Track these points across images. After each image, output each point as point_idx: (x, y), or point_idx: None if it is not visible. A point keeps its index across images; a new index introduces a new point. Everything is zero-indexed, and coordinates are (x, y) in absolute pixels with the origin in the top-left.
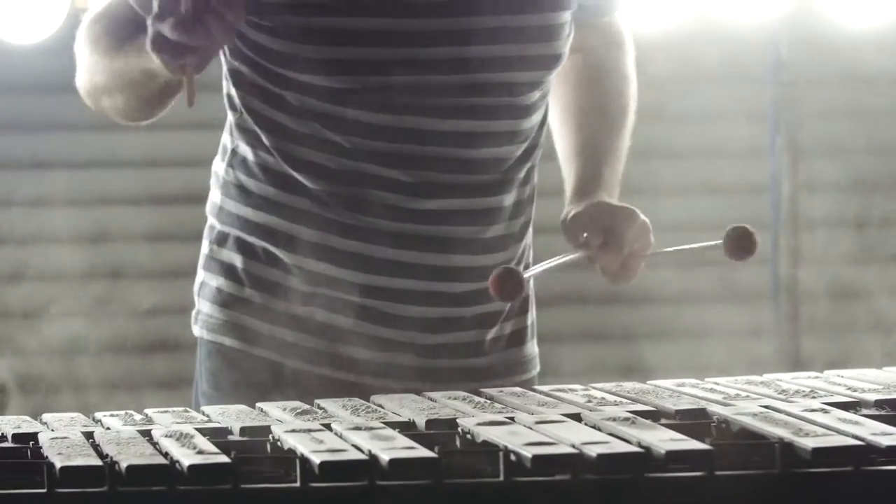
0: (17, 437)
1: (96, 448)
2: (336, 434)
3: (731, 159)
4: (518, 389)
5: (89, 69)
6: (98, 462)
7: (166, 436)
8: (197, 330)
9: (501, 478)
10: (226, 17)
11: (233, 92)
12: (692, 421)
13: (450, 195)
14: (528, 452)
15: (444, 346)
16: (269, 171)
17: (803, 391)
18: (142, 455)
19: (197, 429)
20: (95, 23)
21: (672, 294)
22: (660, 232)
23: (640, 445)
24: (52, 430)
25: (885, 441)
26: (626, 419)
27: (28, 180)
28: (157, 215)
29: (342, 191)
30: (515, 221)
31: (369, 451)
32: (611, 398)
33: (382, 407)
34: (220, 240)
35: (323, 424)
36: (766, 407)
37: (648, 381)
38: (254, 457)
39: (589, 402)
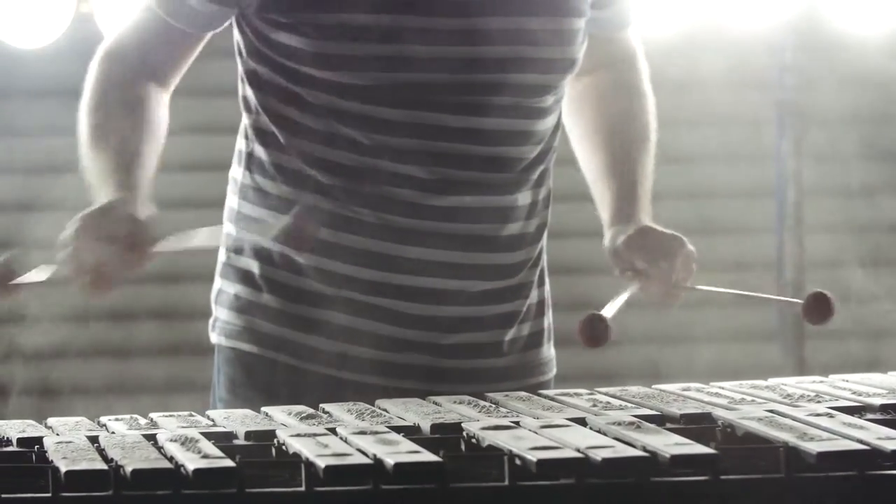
0: (21, 442)
1: (101, 452)
2: (341, 438)
3: (736, 164)
4: (523, 394)
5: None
6: (103, 466)
7: (171, 440)
8: (215, 337)
9: (506, 482)
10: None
11: (249, 93)
12: (697, 425)
13: (466, 192)
14: (533, 456)
15: (462, 347)
16: (284, 170)
17: (808, 395)
18: (147, 459)
19: (202, 433)
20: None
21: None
22: None
23: (645, 450)
24: (58, 435)
25: (890, 445)
26: (631, 423)
27: (35, 184)
28: (164, 218)
29: (359, 188)
30: (531, 222)
31: (374, 456)
32: (616, 402)
33: (387, 411)
34: (237, 247)
35: (328, 429)
36: (770, 412)
37: (653, 385)
38: (259, 461)
39: (594, 406)
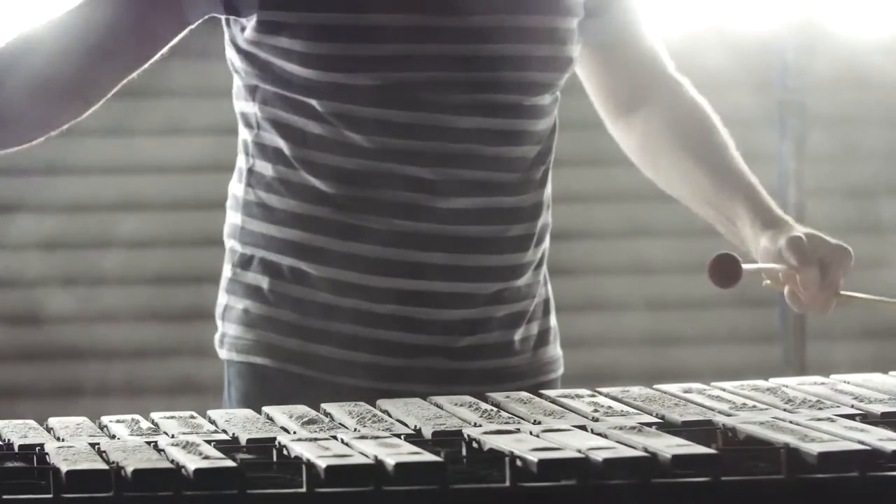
0: (23, 446)
1: (102, 454)
2: (343, 443)
3: None
4: (524, 395)
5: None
6: (104, 466)
7: (172, 445)
8: (224, 353)
9: (507, 483)
10: None
11: (248, 108)
12: (698, 428)
13: (471, 193)
14: (534, 457)
15: (475, 348)
16: (289, 184)
17: (809, 401)
18: (148, 460)
19: (205, 440)
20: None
21: (680, 300)
22: (666, 238)
23: (646, 451)
24: (58, 436)
25: (891, 446)
26: (633, 428)
27: (38, 186)
28: (171, 219)
29: (365, 193)
30: (535, 223)
31: (375, 457)
32: (617, 406)
33: (388, 413)
34: (244, 262)
35: (330, 436)
36: (773, 418)
37: (655, 386)
38: (260, 462)
39: (595, 410)
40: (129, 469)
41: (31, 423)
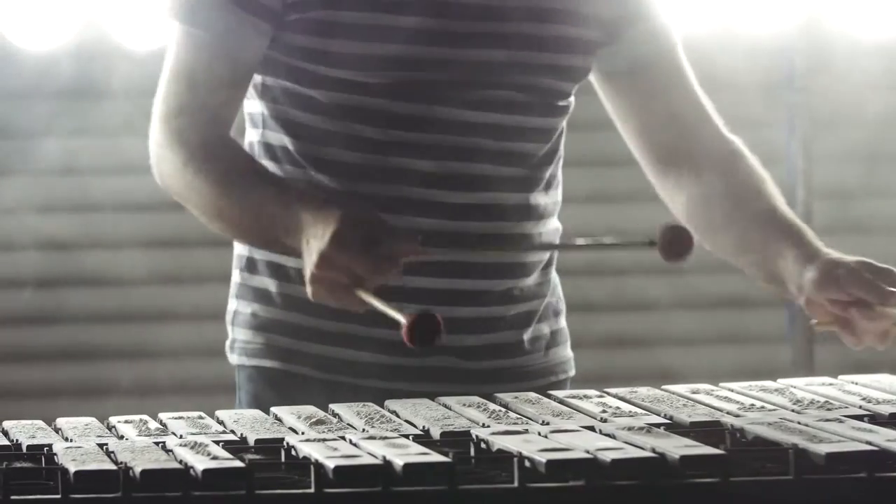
0: (31, 446)
1: (110, 454)
2: (351, 444)
3: None
4: (533, 396)
5: (204, 200)
6: (112, 467)
7: (180, 445)
8: (235, 358)
9: (516, 484)
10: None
11: (255, 107)
12: (706, 429)
13: (479, 188)
14: (543, 458)
15: (485, 348)
16: (295, 182)
17: (818, 402)
18: (156, 460)
19: (213, 441)
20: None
21: (687, 299)
22: None
23: (654, 451)
24: (66, 437)
25: None
26: (641, 429)
27: (41, 186)
28: (178, 219)
29: (373, 189)
30: (544, 222)
31: (384, 457)
32: (625, 407)
33: (396, 413)
34: (251, 266)
35: (338, 436)
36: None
37: (663, 387)
38: (268, 462)
39: (604, 411)
40: (138, 469)
41: (40, 423)
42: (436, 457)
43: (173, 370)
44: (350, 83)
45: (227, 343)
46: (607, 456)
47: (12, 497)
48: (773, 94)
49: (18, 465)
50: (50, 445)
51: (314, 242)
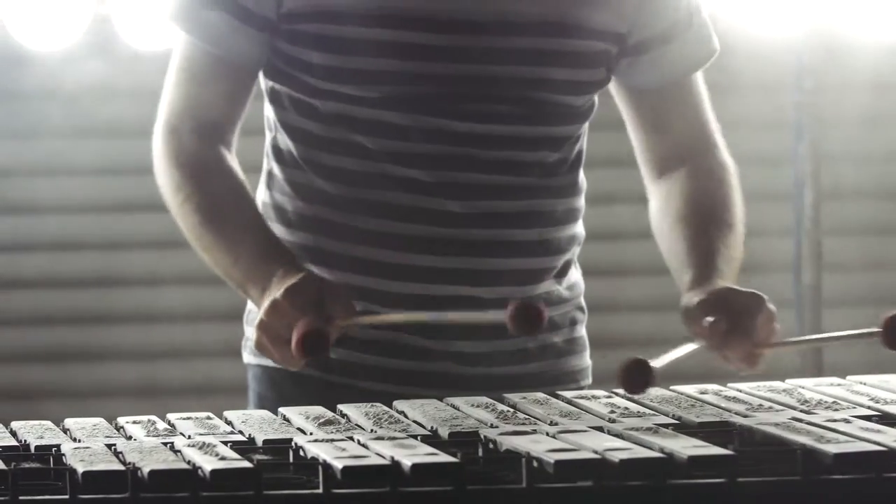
0: (39, 447)
1: (118, 455)
2: (359, 444)
3: (753, 167)
4: (541, 396)
5: (191, 223)
6: (120, 467)
7: (188, 446)
8: (246, 356)
9: (524, 484)
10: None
11: (269, 111)
12: (714, 430)
13: (476, 197)
14: (551, 458)
15: (487, 354)
16: (298, 186)
17: (826, 402)
18: (164, 461)
19: (221, 441)
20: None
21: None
22: None
23: (662, 451)
24: (75, 437)
25: None
26: (650, 429)
27: (47, 186)
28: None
29: (374, 196)
30: (551, 230)
31: (392, 457)
32: (634, 407)
33: (405, 414)
34: None
35: (346, 437)
36: (791, 419)
37: (671, 387)
38: (277, 462)
39: (612, 411)
40: (146, 470)
41: (48, 423)
42: (444, 457)
43: (185, 370)
44: (346, 95)
45: (243, 342)
46: (616, 456)
47: (21, 497)
48: (781, 96)
49: (27, 465)
50: (58, 446)
51: (272, 291)
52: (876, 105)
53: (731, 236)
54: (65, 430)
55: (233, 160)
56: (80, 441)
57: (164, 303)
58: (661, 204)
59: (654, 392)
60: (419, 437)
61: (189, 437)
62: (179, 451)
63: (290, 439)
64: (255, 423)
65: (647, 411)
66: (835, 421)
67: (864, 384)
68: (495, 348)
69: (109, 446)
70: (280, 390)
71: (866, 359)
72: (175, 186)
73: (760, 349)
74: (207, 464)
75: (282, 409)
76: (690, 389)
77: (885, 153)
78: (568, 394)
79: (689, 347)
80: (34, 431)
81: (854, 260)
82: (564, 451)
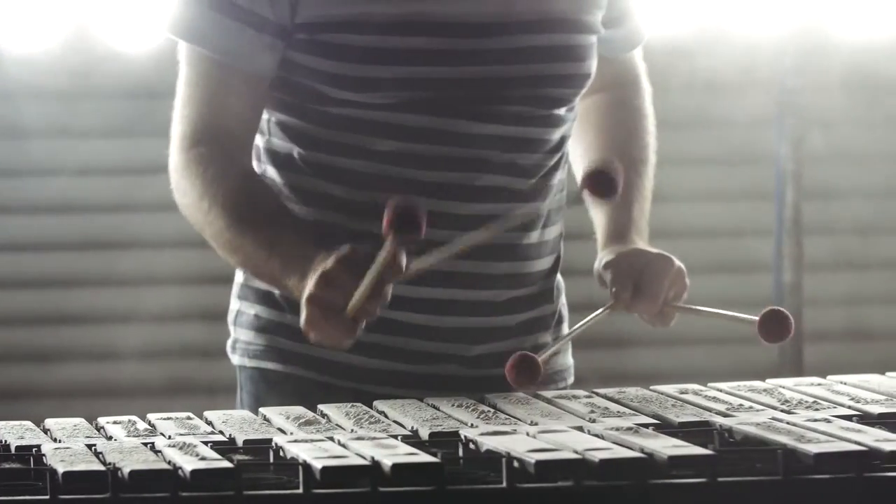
0: (20, 447)
1: (98, 455)
2: (339, 444)
3: (735, 166)
4: (522, 396)
5: (218, 231)
6: (101, 467)
7: (169, 446)
8: (236, 359)
9: (504, 484)
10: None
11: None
12: (695, 429)
13: (485, 200)
14: (531, 458)
15: (487, 356)
16: (301, 190)
17: (806, 402)
18: (144, 461)
19: (202, 441)
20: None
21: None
22: (663, 239)
23: (642, 451)
24: (55, 438)
25: (888, 447)
26: (630, 429)
27: (34, 186)
28: (175, 220)
29: (381, 198)
30: (550, 230)
31: (372, 458)
32: (614, 407)
33: (385, 414)
34: None
35: (326, 437)
36: (771, 419)
37: (651, 387)
38: (257, 462)
39: (592, 411)
40: (126, 470)
41: (28, 424)
42: (424, 457)
43: (166, 370)
44: (358, 102)
45: (229, 343)
46: (596, 456)
47: (1, 498)
48: (763, 95)
49: (7, 465)
50: (38, 446)
51: (318, 267)
52: (858, 105)
53: (645, 177)
54: (45, 431)
55: (254, 169)
56: (60, 441)
57: (145, 302)
58: (579, 121)
59: (635, 392)
60: (399, 438)
61: (169, 437)
62: (160, 452)
63: (271, 439)
64: (236, 423)
65: (628, 411)
66: (815, 421)
67: (845, 384)
68: (495, 350)
69: (90, 446)
70: (279, 392)
71: (847, 359)
72: (198, 196)
73: (669, 309)
74: (188, 464)
75: (262, 409)
76: (671, 389)
77: (867, 153)
78: (548, 393)
79: (598, 314)
80: (14, 432)
81: (835, 260)
82: (545, 451)
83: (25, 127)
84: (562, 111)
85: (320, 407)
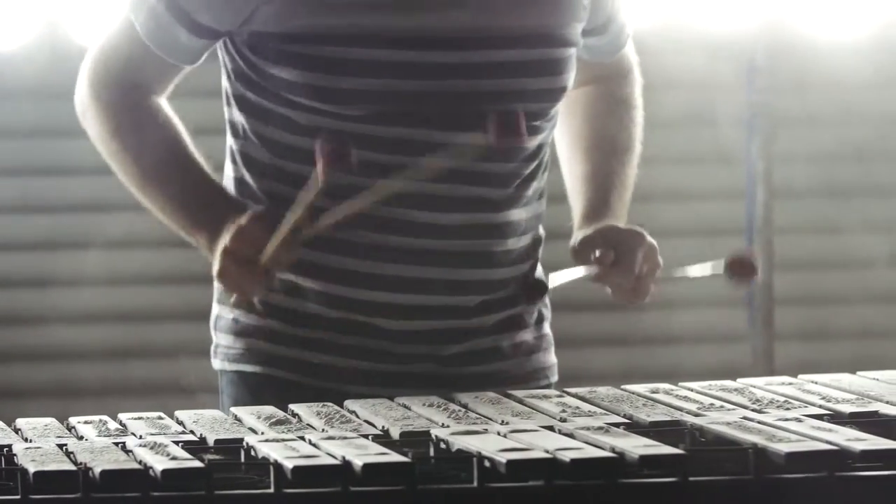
0: None
1: (69, 455)
2: (310, 444)
3: (705, 165)
4: (493, 396)
5: (124, 158)
6: (72, 467)
7: (140, 446)
8: (217, 363)
9: (475, 484)
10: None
11: (237, 117)
12: (666, 428)
13: (460, 210)
14: (503, 458)
15: (462, 355)
16: (275, 196)
17: (777, 402)
18: (115, 461)
19: (173, 441)
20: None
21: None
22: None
23: (613, 451)
24: (26, 437)
25: (859, 446)
26: (601, 429)
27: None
28: (155, 222)
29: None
30: (524, 237)
31: (343, 457)
32: (585, 407)
33: (356, 414)
34: None
35: (297, 437)
36: (742, 418)
37: (622, 387)
38: (228, 462)
39: (563, 411)
40: (97, 470)
41: None
42: (395, 457)
43: (137, 370)
44: (329, 112)
45: (212, 348)
46: (567, 456)
47: None
48: (733, 94)
49: None
50: (9, 446)
51: (231, 224)
52: (828, 104)
53: (628, 166)
54: (16, 430)
55: (167, 108)
56: (31, 441)
57: (118, 302)
58: (566, 112)
59: (606, 391)
60: (370, 437)
61: (140, 437)
62: (131, 451)
63: (242, 439)
64: (207, 422)
65: (599, 410)
66: (786, 420)
67: (816, 383)
68: (469, 349)
69: (61, 446)
70: (259, 395)
71: (818, 358)
72: (109, 134)
73: (643, 282)
74: (158, 464)
75: (233, 409)
76: (642, 389)
77: (836, 152)
78: (519, 393)
79: (580, 272)
80: None
81: (806, 259)
82: (516, 450)
83: None
84: (538, 122)
85: (291, 406)
